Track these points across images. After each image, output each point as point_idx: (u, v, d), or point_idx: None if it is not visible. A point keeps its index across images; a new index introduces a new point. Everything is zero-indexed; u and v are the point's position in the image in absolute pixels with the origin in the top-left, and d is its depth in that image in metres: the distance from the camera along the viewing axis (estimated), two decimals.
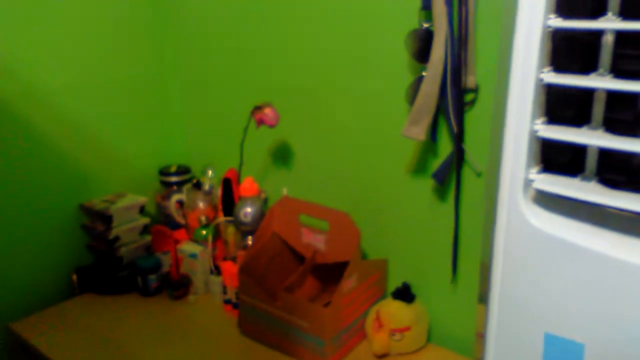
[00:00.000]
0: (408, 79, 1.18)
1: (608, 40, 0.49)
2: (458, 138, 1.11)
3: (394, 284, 1.32)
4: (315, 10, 1.30)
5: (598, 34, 0.49)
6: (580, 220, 0.53)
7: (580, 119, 0.53)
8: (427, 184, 1.21)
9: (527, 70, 0.51)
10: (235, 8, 1.48)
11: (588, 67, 0.50)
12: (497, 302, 0.57)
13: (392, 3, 1.17)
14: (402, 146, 1.23)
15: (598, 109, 0.51)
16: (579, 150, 0.54)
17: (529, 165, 0.54)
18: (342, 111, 1.32)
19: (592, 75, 0.50)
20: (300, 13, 1.34)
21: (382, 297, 1.31)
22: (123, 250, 1.49)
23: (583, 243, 0.51)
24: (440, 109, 1.13)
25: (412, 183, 1.23)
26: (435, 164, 1.18)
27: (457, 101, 1.09)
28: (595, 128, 0.52)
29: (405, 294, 1.20)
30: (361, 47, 1.25)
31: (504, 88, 0.53)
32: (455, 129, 1.10)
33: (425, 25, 1.10)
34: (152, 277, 1.45)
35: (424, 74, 1.09)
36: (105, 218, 1.46)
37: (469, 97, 1.10)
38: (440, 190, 1.19)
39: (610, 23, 0.46)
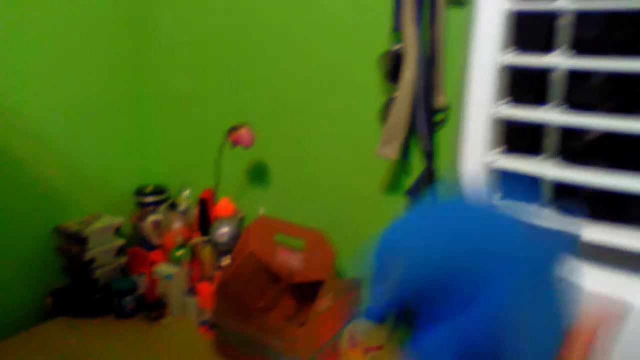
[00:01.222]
0: (382, 99, 1.20)
1: (560, 73, 0.50)
2: (430, 156, 1.12)
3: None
4: (291, 30, 1.32)
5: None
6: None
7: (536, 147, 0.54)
8: (402, 201, 1.22)
9: (481, 103, 0.52)
10: (211, 29, 1.49)
11: (542, 97, 0.52)
12: None
13: (367, 25, 1.19)
14: (377, 165, 1.24)
15: (551, 139, 0.53)
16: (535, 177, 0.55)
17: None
18: (318, 131, 1.33)
19: (544, 108, 0.51)
20: (275, 34, 1.36)
21: (355, 316, 1.31)
22: (99, 272, 1.47)
23: None
24: (412, 128, 1.15)
25: (387, 201, 1.25)
26: (409, 181, 1.19)
27: (428, 120, 1.11)
28: (549, 158, 0.53)
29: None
30: (337, 67, 1.27)
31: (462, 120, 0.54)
32: (426, 147, 1.12)
33: (397, 46, 1.13)
34: (128, 299, 1.43)
35: (396, 94, 1.11)
36: (81, 240, 1.45)
37: (439, 116, 1.12)
38: (414, 207, 1.20)
39: (560, 60, 0.48)
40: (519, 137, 0.53)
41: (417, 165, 1.18)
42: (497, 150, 0.55)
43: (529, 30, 0.51)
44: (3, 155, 1.38)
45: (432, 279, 0.30)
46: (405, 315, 0.34)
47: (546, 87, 0.52)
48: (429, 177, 1.14)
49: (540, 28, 0.50)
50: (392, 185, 1.23)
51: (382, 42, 1.17)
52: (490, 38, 0.53)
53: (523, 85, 0.52)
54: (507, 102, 0.53)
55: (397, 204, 1.23)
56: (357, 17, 1.21)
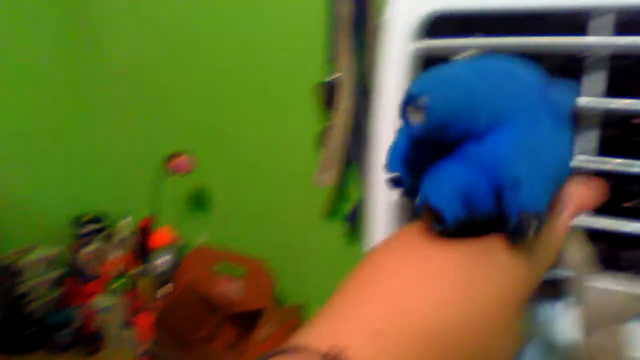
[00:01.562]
0: (320, 126, 1.21)
1: None
2: (365, 183, 1.14)
3: None
4: (230, 58, 1.33)
5: None
6: None
7: None
8: (340, 228, 1.23)
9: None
10: (149, 57, 1.48)
11: None
12: None
13: (304, 53, 1.21)
14: (316, 192, 1.25)
15: None
16: None
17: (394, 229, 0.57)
18: (257, 158, 1.34)
19: None
20: (214, 61, 1.36)
21: None
22: (33, 306, 1.42)
23: None
24: (349, 156, 1.17)
25: (326, 227, 1.25)
26: (347, 208, 1.21)
27: (363, 148, 1.13)
28: None
29: None
30: (275, 95, 1.28)
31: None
32: (362, 174, 1.13)
33: (333, 76, 1.15)
34: (63, 332, 1.39)
35: (332, 123, 1.13)
36: (14, 272, 1.39)
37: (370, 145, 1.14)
38: (354, 234, 1.22)
39: None
40: None
41: (354, 192, 1.20)
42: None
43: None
44: None
45: (453, 119, 0.30)
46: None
47: None
48: (365, 204, 1.16)
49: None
50: (331, 212, 1.24)
51: (319, 71, 1.19)
52: (395, 79, 0.54)
53: None
54: None
55: (336, 231, 1.24)
56: (295, 45, 1.23)
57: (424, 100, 0.29)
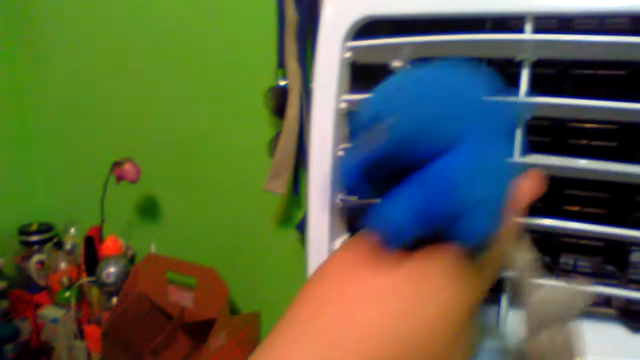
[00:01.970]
0: (271, 133, 1.19)
1: None
2: None
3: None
4: (179, 63, 1.30)
5: None
6: None
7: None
8: (294, 235, 1.22)
9: (325, 145, 0.53)
10: (96, 62, 1.44)
11: None
12: None
13: (256, 59, 1.19)
14: (269, 199, 1.23)
15: None
16: None
17: (333, 237, 0.56)
18: (209, 165, 1.31)
19: None
20: (162, 66, 1.33)
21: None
22: None
23: None
24: (301, 163, 1.16)
25: (280, 235, 1.24)
26: (300, 215, 1.20)
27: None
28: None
29: None
30: (225, 101, 1.25)
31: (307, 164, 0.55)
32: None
33: (282, 82, 1.13)
34: (9, 346, 1.34)
35: (281, 129, 1.12)
36: None
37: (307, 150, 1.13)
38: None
39: None
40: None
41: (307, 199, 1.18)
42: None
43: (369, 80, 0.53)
44: None
45: (403, 144, 0.30)
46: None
47: None
48: None
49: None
50: (284, 219, 1.23)
51: (270, 77, 1.17)
52: (329, 83, 0.54)
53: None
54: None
55: (289, 238, 1.23)
56: (247, 51, 1.20)
57: (387, 122, 0.29)
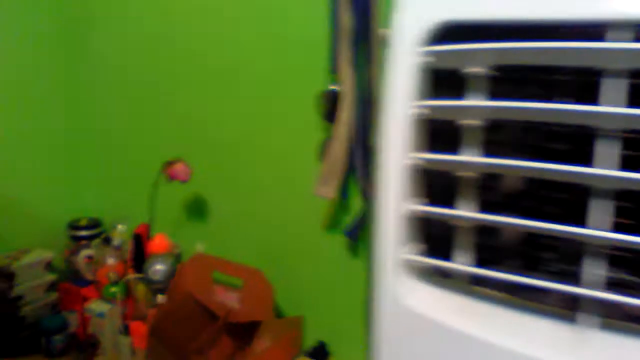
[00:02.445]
0: (321, 138, 1.19)
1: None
2: (367, 196, 1.12)
3: (310, 341, 1.30)
4: (230, 67, 1.31)
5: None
6: (456, 300, 0.54)
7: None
8: (341, 241, 1.21)
9: (397, 154, 0.52)
10: (149, 64, 1.46)
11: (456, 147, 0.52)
12: None
13: (306, 65, 1.19)
14: (316, 203, 1.23)
15: (469, 189, 0.53)
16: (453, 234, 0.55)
17: (403, 244, 0.55)
18: (258, 168, 1.32)
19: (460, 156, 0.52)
20: (214, 69, 1.34)
21: (298, 355, 1.29)
22: (27, 309, 1.40)
23: (455, 325, 0.52)
24: (350, 168, 1.15)
25: (326, 240, 1.23)
26: (348, 220, 1.19)
27: (366, 160, 1.11)
28: (467, 207, 0.53)
29: (320, 353, 1.19)
30: (276, 105, 1.26)
31: (378, 169, 0.54)
32: (364, 187, 1.12)
33: (334, 87, 1.13)
34: (58, 337, 1.37)
35: (333, 134, 1.11)
36: (7, 275, 1.38)
37: (376, 156, 1.12)
38: (354, 247, 1.20)
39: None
40: (441, 186, 0.53)
41: (355, 205, 1.18)
42: (416, 198, 0.55)
43: (443, 84, 0.52)
44: None
45: None
46: None
47: (462, 136, 0.52)
48: (367, 216, 1.14)
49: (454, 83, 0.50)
50: (331, 224, 1.22)
51: (321, 81, 1.17)
52: (404, 87, 0.53)
53: (439, 136, 0.52)
54: (422, 151, 0.53)
55: (337, 244, 1.22)
56: (297, 55, 1.20)
57: None
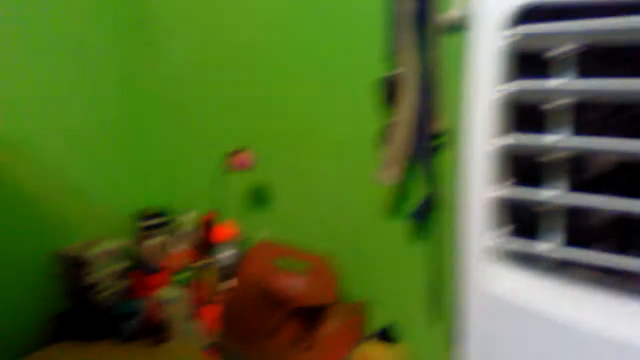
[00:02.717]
0: (380, 124, 1.20)
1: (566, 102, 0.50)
2: (431, 180, 1.12)
3: (374, 325, 1.32)
4: (292, 55, 1.33)
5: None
6: (544, 284, 0.54)
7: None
8: (404, 225, 1.22)
9: (481, 138, 0.52)
10: (214, 53, 1.49)
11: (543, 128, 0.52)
12: None
13: (365, 50, 1.20)
14: (379, 188, 1.24)
15: (558, 171, 0.53)
16: (541, 214, 0.55)
17: (488, 229, 0.56)
18: (318, 154, 1.33)
19: (551, 138, 0.51)
20: (276, 58, 1.36)
21: (363, 339, 1.31)
22: (101, 296, 1.47)
23: (544, 310, 0.52)
24: (412, 153, 1.15)
25: (389, 224, 1.24)
26: (410, 205, 1.19)
27: (428, 145, 1.11)
28: (557, 189, 0.53)
29: (387, 336, 1.20)
30: (337, 92, 1.27)
31: (462, 154, 0.54)
32: (427, 172, 1.12)
33: (395, 71, 1.13)
34: (131, 322, 1.43)
35: (395, 119, 1.11)
36: (83, 263, 1.44)
37: (438, 140, 1.12)
38: (418, 231, 1.20)
39: (567, 84, 0.47)
40: (524, 169, 0.53)
41: (418, 189, 1.18)
42: (502, 182, 0.54)
43: (529, 63, 0.51)
44: (4, 181, 1.38)
45: None
46: None
47: (549, 118, 0.51)
48: (430, 201, 1.14)
49: (539, 61, 0.50)
50: (394, 209, 1.23)
51: (382, 67, 1.17)
52: (488, 70, 0.52)
53: (526, 116, 0.52)
54: (508, 134, 0.53)
55: (399, 228, 1.23)
56: (356, 41, 1.21)
57: None
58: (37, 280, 1.47)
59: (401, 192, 1.21)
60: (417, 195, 1.18)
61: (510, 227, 0.58)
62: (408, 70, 1.08)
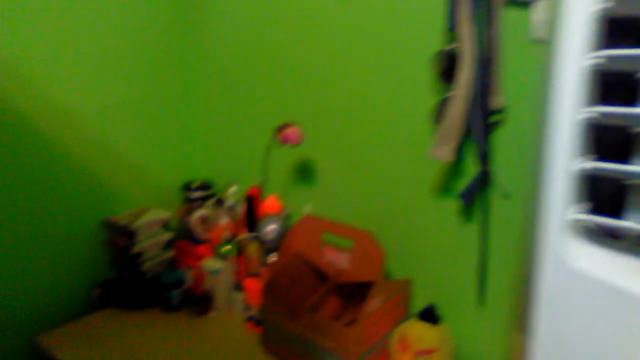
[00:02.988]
0: (432, 100, 1.17)
1: None
2: (484, 159, 1.10)
3: (417, 305, 1.31)
4: (341, 30, 1.31)
5: None
6: (625, 260, 0.52)
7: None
8: (453, 204, 1.20)
9: (569, 109, 0.50)
10: (262, 28, 1.49)
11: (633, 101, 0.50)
12: (539, 342, 0.55)
13: (418, 24, 1.17)
14: (428, 166, 1.22)
15: None
16: (623, 190, 0.52)
17: (571, 203, 0.53)
18: (366, 130, 1.32)
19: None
20: (326, 33, 1.34)
21: (405, 318, 1.30)
22: (146, 265, 1.50)
23: (626, 285, 0.50)
24: (466, 130, 1.13)
25: (438, 203, 1.23)
26: (462, 184, 1.17)
27: (484, 122, 1.08)
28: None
29: (431, 316, 1.19)
30: (387, 67, 1.25)
31: (545, 126, 0.52)
32: (481, 149, 1.09)
33: (451, 46, 1.10)
34: (175, 292, 1.45)
35: (450, 95, 1.09)
36: (129, 233, 1.47)
37: (495, 118, 1.10)
38: (467, 211, 1.18)
39: None
40: (611, 142, 0.50)
41: (470, 168, 1.16)
42: (587, 155, 0.52)
43: (624, 31, 0.49)
44: (55, 150, 1.40)
45: None
46: None
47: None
48: (483, 180, 1.12)
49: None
50: (444, 187, 1.21)
51: (433, 42, 1.15)
52: (578, 40, 0.50)
53: (613, 90, 0.49)
54: (596, 105, 0.50)
55: (449, 207, 1.21)
56: (408, 15, 1.19)
57: None
58: (85, 248, 1.51)
59: (454, 171, 1.19)
60: (468, 174, 1.16)
61: (591, 203, 0.56)
62: (466, 44, 1.05)
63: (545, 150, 0.53)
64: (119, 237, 1.51)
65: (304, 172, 1.48)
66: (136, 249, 1.47)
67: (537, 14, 0.99)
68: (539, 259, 0.54)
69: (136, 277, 1.49)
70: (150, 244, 1.51)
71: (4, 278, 1.36)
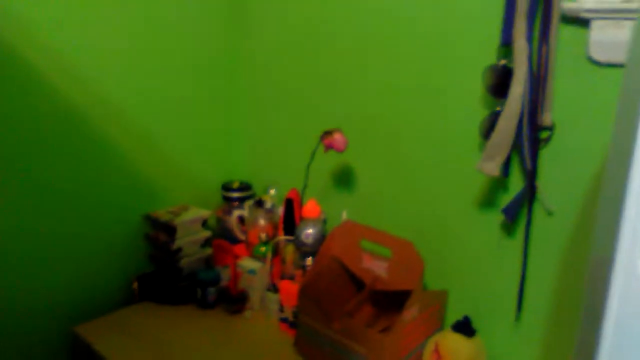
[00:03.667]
0: (479, 113, 1.17)
1: None
2: (531, 175, 1.10)
3: (451, 316, 1.31)
4: (390, 40, 1.32)
5: None
6: None
7: None
8: (495, 219, 1.20)
9: None
10: (310, 34, 1.50)
11: None
12: None
13: (469, 38, 1.17)
14: (471, 179, 1.22)
15: None
16: None
17: None
18: (410, 140, 1.32)
19: None
20: (374, 42, 1.35)
21: (439, 329, 1.30)
22: (184, 262, 1.52)
23: None
24: (514, 145, 1.12)
25: (480, 217, 1.22)
26: (505, 199, 1.17)
27: (532, 138, 1.08)
28: None
29: (466, 328, 1.19)
30: (434, 79, 1.25)
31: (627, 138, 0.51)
32: (528, 165, 1.09)
33: (503, 61, 1.10)
34: (211, 289, 1.47)
35: (498, 109, 1.09)
36: (170, 229, 1.50)
37: (544, 134, 1.09)
38: (509, 226, 1.18)
39: None
40: None
41: (516, 184, 1.15)
42: None
43: None
44: (101, 145, 1.44)
45: None
46: None
47: None
48: (527, 196, 1.12)
49: None
50: (487, 201, 1.21)
51: (482, 56, 1.15)
52: None
53: None
54: None
55: (492, 222, 1.20)
56: (461, 29, 1.19)
57: None
58: (125, 241, 1.54)
59: (497, 185, 1.19)
60: (515, 189, 1.15)
61: None
62: (520, 60, 1.05)
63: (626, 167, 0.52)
64: (160, 233, 1.54)
65: (343, 178, 1.49)
66: (176, 245, 1.50)
67: (596, 33, 0.99)
68: (612, 280, 0.53)
69: (174, 272, 1.52)
70: (189, 241, 1.53)
71: (46, 267, 1.39)
